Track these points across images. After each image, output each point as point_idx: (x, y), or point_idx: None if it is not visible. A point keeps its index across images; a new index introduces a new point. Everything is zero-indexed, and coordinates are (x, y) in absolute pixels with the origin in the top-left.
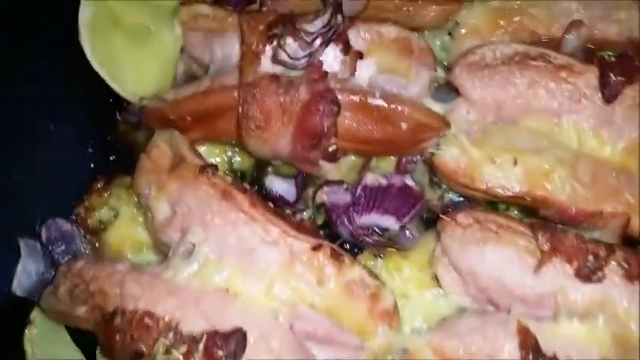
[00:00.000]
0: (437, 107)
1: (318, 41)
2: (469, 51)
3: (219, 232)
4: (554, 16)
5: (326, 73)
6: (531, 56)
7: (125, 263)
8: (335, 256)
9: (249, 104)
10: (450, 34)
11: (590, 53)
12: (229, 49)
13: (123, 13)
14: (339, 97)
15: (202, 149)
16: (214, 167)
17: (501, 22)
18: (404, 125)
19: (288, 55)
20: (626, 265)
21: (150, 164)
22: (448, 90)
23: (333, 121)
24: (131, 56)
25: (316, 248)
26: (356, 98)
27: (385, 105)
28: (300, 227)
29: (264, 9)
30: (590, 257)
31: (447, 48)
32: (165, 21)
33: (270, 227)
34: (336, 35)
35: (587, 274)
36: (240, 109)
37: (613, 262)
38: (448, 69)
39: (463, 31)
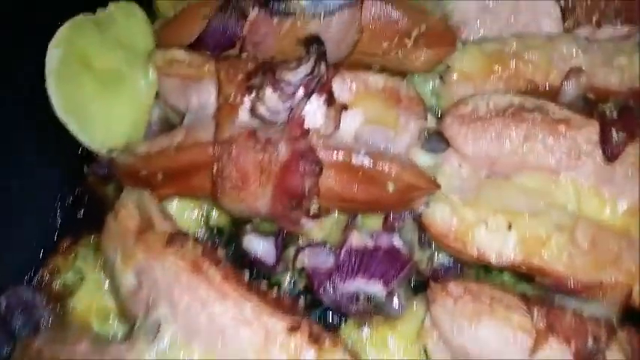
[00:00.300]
0: (427, 158)
1: (300, 92)
2: (461, 101)
3: (188, 309)
4: (552, 62)
5: (307, 130)
6: (527, 108)
7: (87, 341)
8: (314, 339)
9: (225, 163)
10: (441, 77)
11: (590, 106)
12: (206, 97)
13: (94, 57)
14: (322, 155)
15: (175, 203)
16: (184, 236)
17: (496, 68)
18: (391, 186)
19: (268, 109)
20: (628, 348)
21: (116, 227)
22: (439, 139)
23: (314, 182)
24: (101, 103)
25: (294, 329)
26: (339, 157)
27: (371, 165)
28: (277, 303)
29: (244, 54)
30: (590, 339)
31: (438, 92)
32: (139, 65)
33: (243, 304)
34: (319, 86)
35: (587, 358)
36: (214, 168)
37: (614, 345)
38: (439, 116)
39: (455, 76)
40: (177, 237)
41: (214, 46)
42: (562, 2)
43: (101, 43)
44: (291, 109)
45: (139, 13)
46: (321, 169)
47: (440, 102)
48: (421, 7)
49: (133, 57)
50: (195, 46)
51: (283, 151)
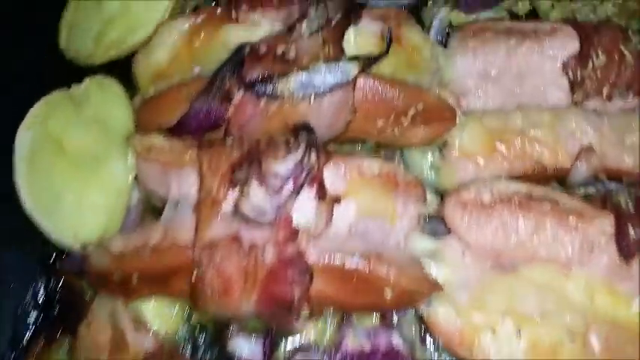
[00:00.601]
0: (427, 242)
1: (288, 186)
2: (463, 186)
3: None
4: (560, 140)
5: (296, 231)
6: (535, 197)
7: None
8: None
9: (206, 269)
10: (440, 150)
11: (604, 196)
12: (187, 187)
13: (68, 138)
14: (312, 258)
15: (153, 300)
16: (159, 354)
17: (498, 145)
18: (389, 292)
19: (253, 208)
20: None
21: (89, 340)
22: (440, 221)
23: (304, 290)
24: (75, 193)
25: None
26: (332, 262)
27: (367, 270)
28: None
29: (229, 139)
30: None
31: (437, 167)
32: (117, 148)
33: None
34: (309, 178)
35: None
36: (194, 274)
37: None
38: (439, 193)
39: (455, 152)
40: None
41: (197, 128)
42: (570, 74)
43: (76, 122)
44: (279, 207)
45: (116, 90)
46: (311, 277)
47: (439, 177)
48: (417, 84)
49: (109, 138)
50: (176, 129)
51: (270, 255)
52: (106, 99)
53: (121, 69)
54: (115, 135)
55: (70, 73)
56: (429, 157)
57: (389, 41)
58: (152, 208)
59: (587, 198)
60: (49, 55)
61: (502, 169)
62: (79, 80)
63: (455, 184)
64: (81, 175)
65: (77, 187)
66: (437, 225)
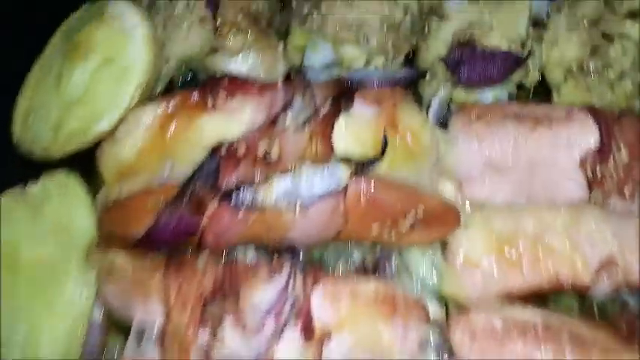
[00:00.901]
0: None
1: (269, 325)
2: (472, 309)
3: None
4: (578, 249)
5: None
6: (552, 327)
7: None
8: None
9: None
10: (442, 249)
11: (629, 319)
12: (152, 317)
13: (23, 248)
14: None
15: None
16: None
17: (509, 254)
18: None
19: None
20: None
21: None
22: (444, 339)
23: None
24: (30, 315)
25: None
26: None
27: None
28: None
29: (201, 257)
30: None
31: (439, 268)
32: (77, 262)
33: None
34: (294, 312)
35: None
36: None
37: None
38: (443, 299)
39: (459, 259)
40: None
41: (166, 241)
42: (589, 170)
43: (32, 231)
44: (258, 355)
45: (78, 191)
46: None
47: (442, 283)
48: (416, 180)
49: (69, 249)
50: (143, 242)
51: None
52: (66, 202)
53: (83, 160)
54: (76, 245)
55: (25, 167)
56: (431, 255)
57: (384, 145)
58: (116, 324)
59: (606, 315)
60: (1, 148)
61: (514, 283)
62: (35, 176)
63: (460, 293)
64: (37, 296)
65: (32, 309)
66: (441, 345)
